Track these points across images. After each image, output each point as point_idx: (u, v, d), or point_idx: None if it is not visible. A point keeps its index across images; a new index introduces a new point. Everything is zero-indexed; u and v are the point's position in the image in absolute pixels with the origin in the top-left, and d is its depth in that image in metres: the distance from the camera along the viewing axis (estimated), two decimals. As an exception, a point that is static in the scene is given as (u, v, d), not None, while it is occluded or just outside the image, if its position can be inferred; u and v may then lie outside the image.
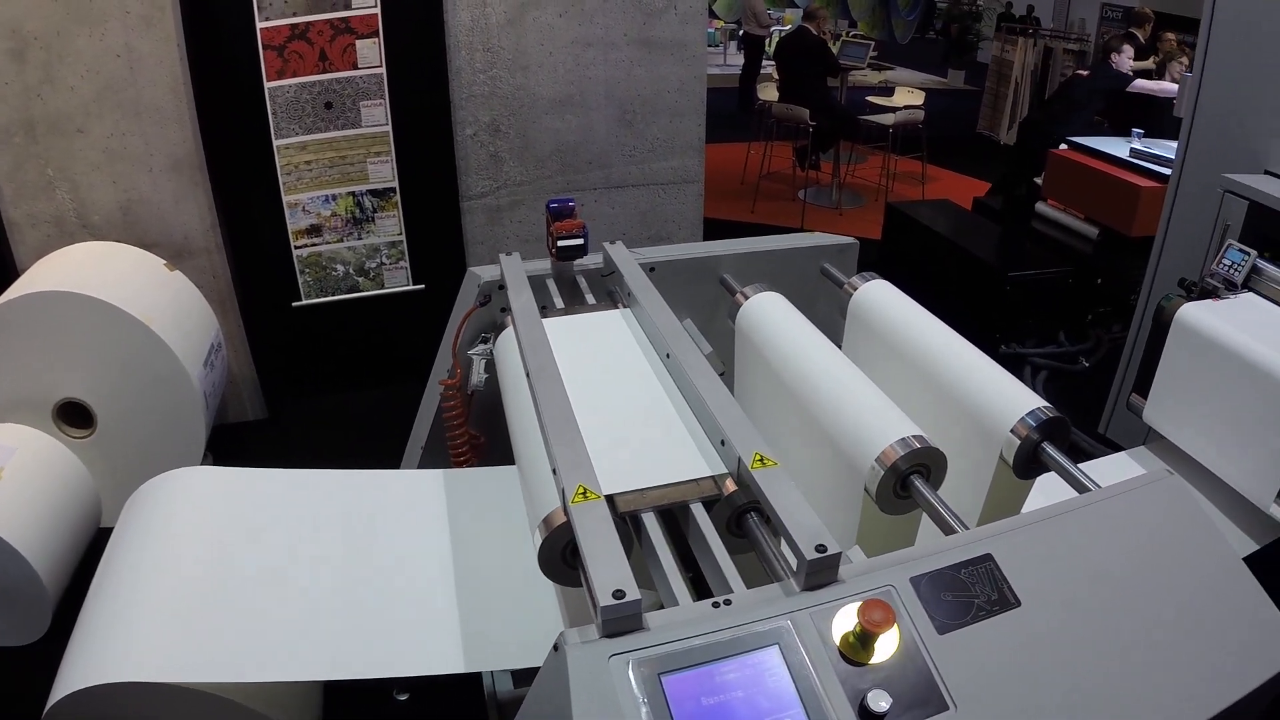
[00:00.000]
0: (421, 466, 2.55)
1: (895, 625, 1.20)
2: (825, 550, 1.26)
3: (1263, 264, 3.05)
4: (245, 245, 3.87)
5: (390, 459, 2.66)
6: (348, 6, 3.62)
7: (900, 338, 2.13)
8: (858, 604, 1.20)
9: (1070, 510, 1.49)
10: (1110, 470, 3.06)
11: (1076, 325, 5.53)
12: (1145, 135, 5.87)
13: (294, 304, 4.01)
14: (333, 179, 3.85)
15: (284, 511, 2.02)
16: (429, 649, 1.74)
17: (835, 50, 8.84)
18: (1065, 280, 5.34)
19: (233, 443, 3.91)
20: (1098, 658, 1.29)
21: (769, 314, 2.17)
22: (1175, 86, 6.73)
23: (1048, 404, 1.81)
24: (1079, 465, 1.73)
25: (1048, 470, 1.78)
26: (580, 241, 2.26)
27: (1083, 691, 1.25)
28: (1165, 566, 1.46)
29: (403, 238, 4.03)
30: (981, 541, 1.38)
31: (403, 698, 2.59)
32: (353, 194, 3.90)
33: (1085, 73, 7.20)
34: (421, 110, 3.84)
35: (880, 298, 2.28)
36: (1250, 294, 3.05)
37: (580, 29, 3.86)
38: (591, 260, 2.36)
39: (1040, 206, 6.26)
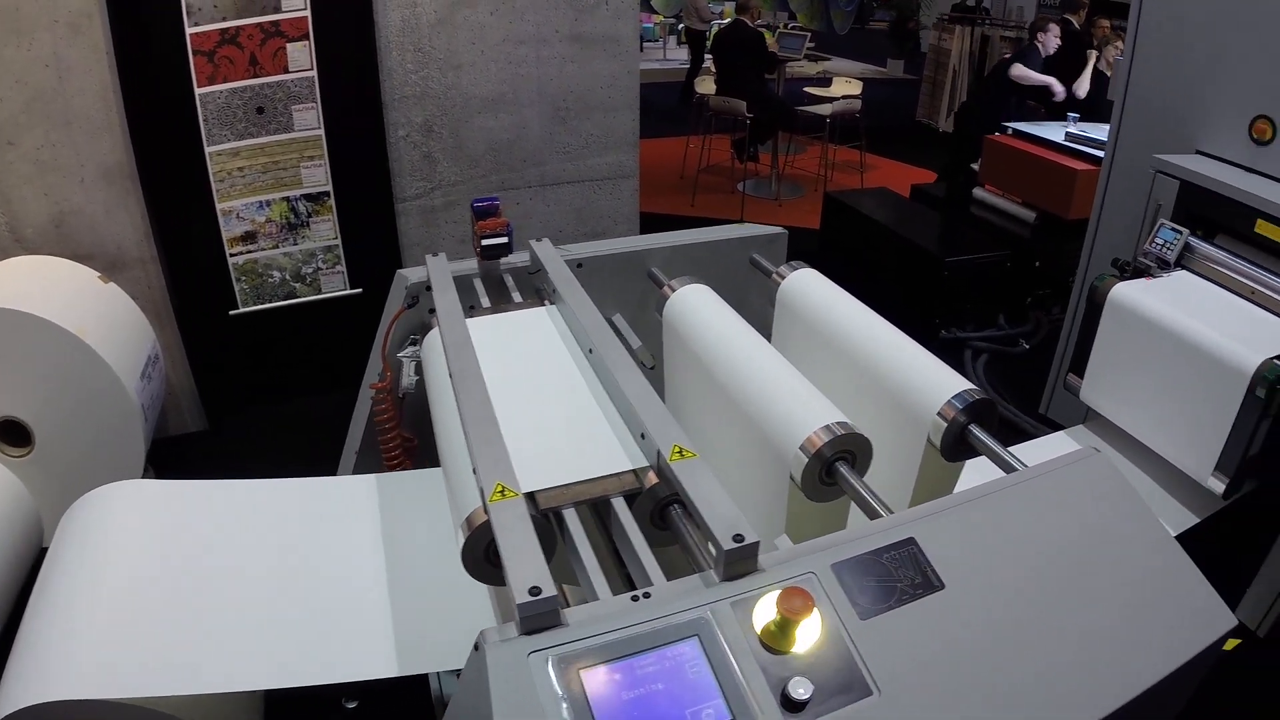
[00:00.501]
0: (356, 471, 2.53)
1: (816, 612, 1.20)
2: (743, 540, 1.25)
3: (1195, 242, 3.10)
4: (180, 254, 3.81)
5: (333, 465, 2.63)
6: (278, 10, 3.58)
7: (827, 325, 2.13)
8: (777, 593, 1.19)
9: (994, 491, 1.49)
10: (1047, 450, 3.08)
11: (1016, 308, 5.60)
12: (1081, 119, 5.96)
13: (231, 312, 3.96)
14: (266, 184, 3.81)
15: (217, 522, 2.00)
16: (363, 654, 1.73)
17: (771, 42, 8.88)
18: (1003, 264, 5.40)
19: (174, 455, 3.86)
20: (1024, 636, 1.29)
21: (695, 306, 2.16)
22: (1052, 79, 6.91)
23: (974, 386, 1.80)
24: (1017, 446, 1.75)
25: (977, 453, 1.78)
26: (504, 240, 2.24)
27: (1009, 670, 1.25)
28: (1092, 543, 1.46)
29: (338, 242, 3.99)
30: (904, 525, 1.38)
31: (351, 705, 2.56)
32: (287, 199, 3.86)
33: (1007, 55, 7.27)
34: (354, 112, 3.81)
35: (807, 286, 2.28)
36: (1184, 272, 3.09)
37: (512, 27, 3.84)
38: (520, 258, 2.34)
39: (978, 192, 6.32)
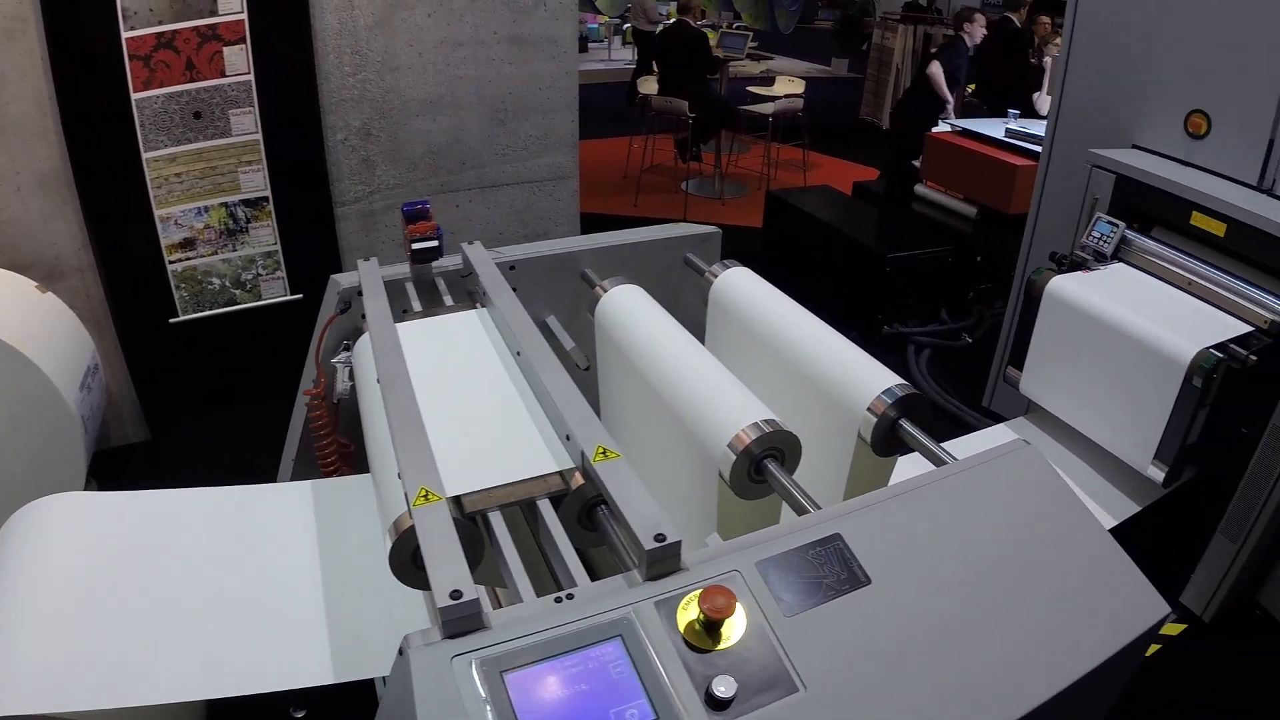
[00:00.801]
0: (295, 478, 2.50)
1: (739, 610, 1.20)
2: (664, 539, 1.24)
3: (1131, 235, 3.13)
4: (118, 263, 3.75)
5: (276, 473, 2.61)
6: (214, 13, 3.53)
7: (758, 323, 2.13)
8: (700, 591, 1.19)
9: (922, 485, 1.49)
10: (985, 444, 3.09)
11: (958, 303, 5.65)
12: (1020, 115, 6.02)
13: (171, 320, 3.90)
14: (204, 190, 3.76)
15: (153, 533, 1.97)
16: (299, 661, 1.71)
17: (714, 41, 8.91)
18: (944, 259, 5.44)
19: (116, 466, 3.81)
20: (953, 630, 1.29)
21: (625, 307, 2.16)
22: (949, 101, 7.01)
23: (904, 381, 1.81)
24: (955, 439, 1.75)
25: (910, 448, 1.79)
26: (435, 244, 2.23)
27: (937, 664, 1.24)
28: (1023, 535, 1.47)
29: (278, 247, 3.95)
30: (830, 521, 1.38)
31: (299, 715, 2.53)
32: (225, 205, 3.81)
33: (934, 51, 7.34)
34: (291, 116, 3.76)
35: (739, 285, 2.27)
36: (1121, 264, 3.13)
37: (450, 28, 3.81)
38: (453, 262, 2.32)
39: (919, 188, 6.37)
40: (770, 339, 2.07)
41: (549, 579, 1.40)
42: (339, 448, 2.30)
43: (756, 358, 2.10)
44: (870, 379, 1.82)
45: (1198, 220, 2.95)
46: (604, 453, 1.46)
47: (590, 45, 14.96)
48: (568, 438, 1.56)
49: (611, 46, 15.77)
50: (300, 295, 4.01)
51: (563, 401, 1.62)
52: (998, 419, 3.44)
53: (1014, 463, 1.61)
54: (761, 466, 1.64)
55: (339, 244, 4.01)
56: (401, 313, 2.10)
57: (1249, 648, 3.11)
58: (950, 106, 7.07)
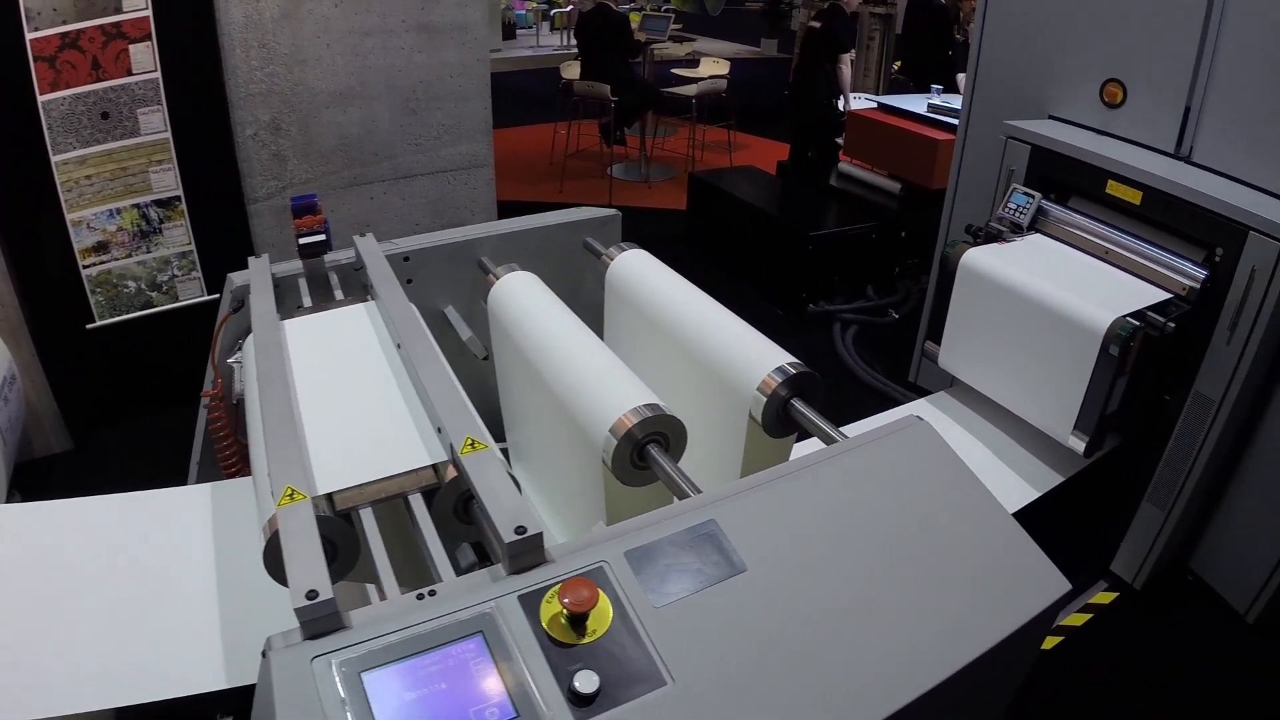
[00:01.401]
0: (200, 481, 2.44)
1: (604, 603, 1.17)
2: (525, 532, 1.21)
3: (1047, 205, 3.12)
4: (31, 269, 3.65)
5: (202, 477, 2.55)
6: (118, 10, 3.44)
7: (652, 306, 2.10)
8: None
9: (808, 466, 1.46)
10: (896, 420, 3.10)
11: (885, 279, 5.65)
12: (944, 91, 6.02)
13: (88, 326, 3.81)
14: (115, 192, 3.67)
15: (50, 543, 1.91)
16: (191, 668, 1.66)
17: (636, 24, 8.87)
18: (868, 236, 5.44)
19: (39, 478, 3.73)
20: (835, 615, 1.25)
21: (516, 294, 2.12)
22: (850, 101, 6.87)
23: (796, 360, 1.78)
24: (868, 418, 1.72)
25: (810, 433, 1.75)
26: (322, 238, 2.17)
27: (816, 652, 1.21)
28: (914, 513, 1.43)
29: (193, 248, 3.86)
30: (706, 508, 1.34)
31: (225, 720, 2.47)
32: (137, 206, 3.73)
33: (817, 25, 7.23)
34: (200, 113, 3.68)
35: (633, 268, 2.23)
36: (1038, 235, 3.11)
37: (357, 18, 3.75)
38: (347, 255, 2.26)
39: (842, 165, 6.37)
40: (663, 321, 2.03)
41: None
42: (240, 448, 2.25)
43: (651, 341, 2.07)
44: (761, 358, 1.78)
45: (1113, 189, 2.93)
46: (472, 444, 1.43)
47: (519, 32, 14.88)
48: (439, 430, 1.51)
49: (540, 33, 15.63)
50: (217, 295, 3.88)
51: (436, 393, 1.57)
52: (924, 393, 3.42)
53: (906, 439, 1.57)
54: (644, 452, 1.60)
55: (253, 241, 3.93)
56: (296, 308, 2.06)
57: (1181, 614, 3.11)
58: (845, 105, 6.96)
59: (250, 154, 3.80)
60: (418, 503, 1.45)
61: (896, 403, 3.91)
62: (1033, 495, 2.73)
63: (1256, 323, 2.61)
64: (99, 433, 4.03)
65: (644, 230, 6.66)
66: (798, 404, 1.73)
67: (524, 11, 15.18)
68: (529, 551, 1.22)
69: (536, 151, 8.44)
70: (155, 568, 1.89)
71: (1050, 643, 2.94)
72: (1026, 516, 2.75)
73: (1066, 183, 3.15)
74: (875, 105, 6.23)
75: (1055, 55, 3.37)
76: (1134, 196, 2.89)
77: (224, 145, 3.75)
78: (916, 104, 5.95)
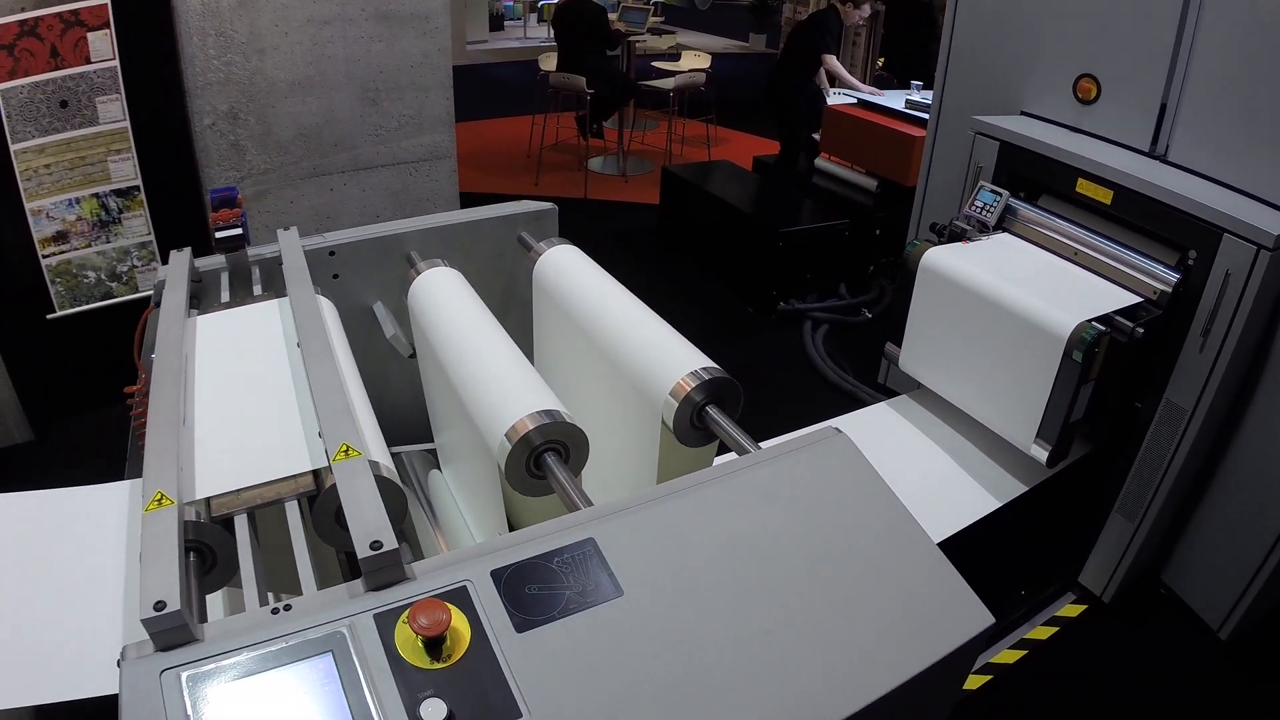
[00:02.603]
0: (132, 478, 2.38)
1: (461, 626, 1.10)
2: (380, 547, 1.14)
3: (1016, 203, 3.02)
4: (-10, 259, 3.60)
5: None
6: (76, -2, 3.38)
7: (574, 305, 2.02)
8: (421, 606, 1.08)
9: (709, 480, 1.37)
10: (846, 427, 3.00)
11: (859, 277, 5.56)
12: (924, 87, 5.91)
13: (48, 316, 3.74)
14: (75, 181, 3.60)
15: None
16: (88, 671, 1.59)
17: (615, 16, 8.79)
18: (841, 233, 5.34)
19: (-1, 470, 3.66)
20: (719, 646, 1.17)
21: (433, 291, 2.05)
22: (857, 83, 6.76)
23: (713, 365, 1.69)
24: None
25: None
26: (238, 231, 2.11)
27: (695, 688, 1.12)
28: (822, 535, 1.34)
29: (152, 238, 3.79)
30: (586, 525, 1.26)
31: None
32: (96, 195, 3.66)
33: (803, 22, 7.15)
34: (158, 103, 3.61)
35: (559, 265, 2.15)
36: (1005, 234, 3.02)
37: (316, 6, 3.66)
38: (273, 249, 2.19)
39: (820, 162, 6.26)
40: (584, 321, 1.95)
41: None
42: (162, 447, 2.17)
43: (573, 341, 1.99)
44: (677, 362, 1.69)
45: (1084, 188, 2.83)
46: (346, 451, 1.35)
47: (506, 23, 14.84)
48: (320, 435, 1.44)
49: (528, 24, 15.53)
50: (177, 287, 3.85)
51: (321, 395, 1.49)
52: (894, 395, 3.31)
53: (821, 454, 1.48)
54: (541, 460, 1.51)
55: (211, 232, 3.83)
56: (215, 304, 2.01)
57: (1152, 629, 3.02)
58: (829, 90, 6.87)
59: (208, 144, 3.72)
60: (293, 510, 1.38)
61: (865, 404, 3.81)
62: (993, 505, 2.63)
63: (1230, 329, 2.50)
64: (60, 423, 3.97)
65: (617, 225, 6.67)
66: (712, 411, 1.64)
67: (512, 3, 15.13)
68: (385, 568, 1.14)
69: (515, 144, 8.37)
70: (62, 567, 1.82)
71: (1012, 657, 2.85)
72: (988, 527, 2.67)
73: (1036, 180, 3.04)
74: (854, 101, 6.14)
75: (1028, 49, 3.26)
76: (1104, 196, 2.78)
77: (182, 135, 3.68)
78: (895, 100, 5.86)
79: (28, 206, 3.57)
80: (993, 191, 3.00)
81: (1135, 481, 2.84)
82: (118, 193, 3.69)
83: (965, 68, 3.55)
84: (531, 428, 1.50)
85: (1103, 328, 2.45)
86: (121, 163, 3.64)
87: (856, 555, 1.33)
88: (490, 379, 1.68)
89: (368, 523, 1.18)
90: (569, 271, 2.11)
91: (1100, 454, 2.91)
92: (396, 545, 1.15)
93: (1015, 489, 2.72)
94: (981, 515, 2.58)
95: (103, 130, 3.58)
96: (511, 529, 1.65)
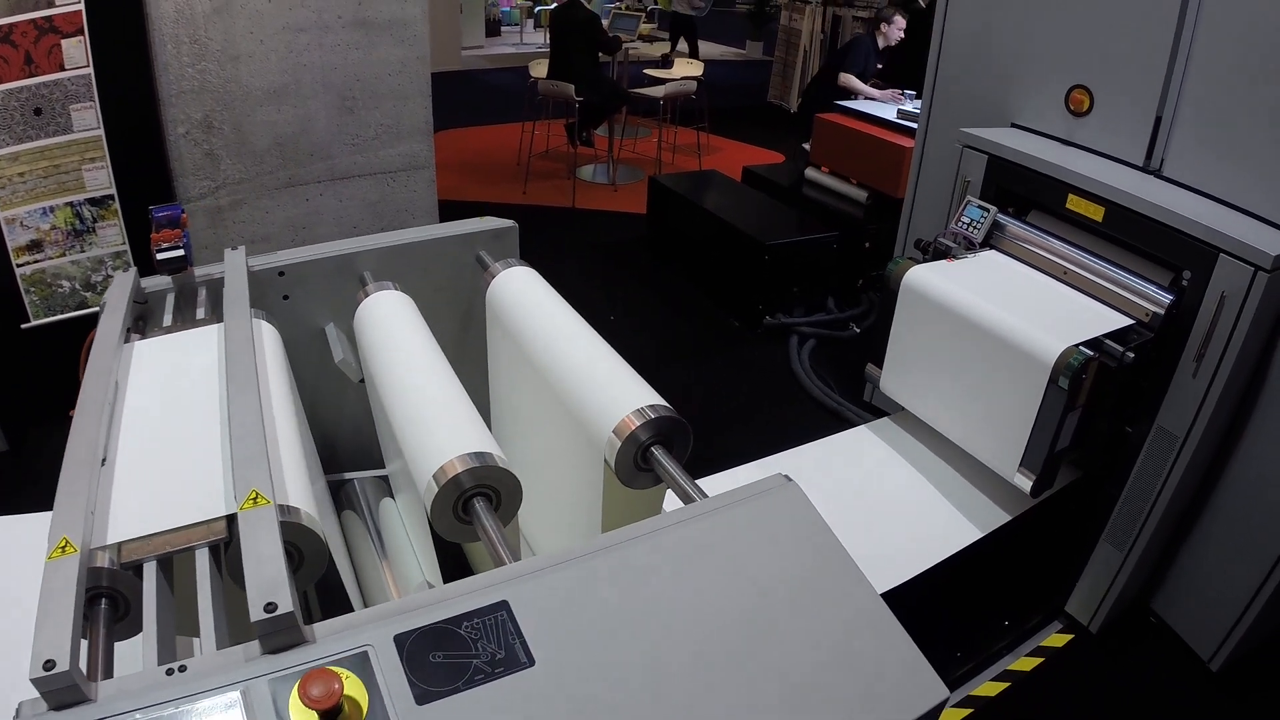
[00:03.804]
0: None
1: (358, 696, 1.02)
2: (275, 609, 1.06)
3: (1004, 219, 2.93)
4: (-37, 268, 3.53)
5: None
6: (50, 4, 3.30)
7: (524, 332, 1.92)
8: (317, 673, 1.00)
9: (642, 535, 1.27)
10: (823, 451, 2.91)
11: (847, 291, 5.45)
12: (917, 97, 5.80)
13: (23, 326, 3.68)
14: (49, 190, 3.53)
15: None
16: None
17: (607, 24, 8.74)
18: (829, 246, 5.23)
19: (-27, 480, 3.60)
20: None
21: (376, 316, 1.96)
22: (873, 90, 6.71)
23: (662, 403, 1.59)
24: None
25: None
26: (180, 253, 2.02)
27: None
28: (764, 600, 1.24)
29: (126, 247, 3.72)
30: (500, 586, 1.16)
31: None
32: (71, 204, 3.59)
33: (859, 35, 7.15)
34: (133, 111, 3.53)
35: (511, 288, 2.06)
36: (992, 252, 2.93)
37: (291, 13, 3.59)
38: (221, 269, 2.10)
39: (810, 172, 6.13)
40: (533, 350, 1.86)
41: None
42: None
43: (520, 371, 1.91)
44: (622, 397, 1.60)
45: (1074, 204, 2.73)
46: (255, 499, 1.26)
47: (504, 29, 14.82)
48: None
49: (525, 30, 15.49)
50: (150, 298, 3.79)
51: (239, 436, 1.41)
52: (881, 414, 3.22)
53: (768, 506, 1.37)
54: (470, 506, 1.43)
55: (152, 253, 3.77)
56: (157, 328, 1.93)
57: (1140, 660, 2.91)
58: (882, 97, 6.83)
59: (182, 153, 3.64)
60: (202, 558, 1.29)
61: (850, 424, 3.73)
62: (974, 536, 2.55)
63: (1225, 354, 2.38)
64: (35, 433, 3.91)
65: (605, 235, 6.60)
66: (658, 452, 1.54)
67: (509, 8, 15.07)
68: (281, 631, 1.06)
69: (506, 151, 8.29)
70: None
71: (994, 689, 2.75)
72: (971, 555, 2.58)
73: (1025, 196, 2.94)
74: (843, 110, 6.03)
75: (1018, 59, 3.15)
76: (1095, 212, 2.67)
77: (156, 144, 3.60)
78: (887, 110, 5.75)
79: (1, 215, 3.50)
80: (980, 207, 2.91)
81: (1124, 509, 2.73)
82: (92, 201, 3.62)
83: (954, 78, 3.44)
84: (461, 470, 1.42)
85: (1090, 352, 2.37)
86: (96, 171, 3.57)
87: (799, 623, 1.23)
88: (423, 415, 1.59)
89: (265, 581, 1.10)
90: (520, 296, 2.02)
91: (1089, 481, 2.81)
92: (292, 607, 1.06)
93: (998, 518, 2.63)
94: (961, 547, 2.50)
95: (77, 138, 3.51)
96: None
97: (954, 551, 2.46)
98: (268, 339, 1.86)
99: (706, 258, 5.62)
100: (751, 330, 5.17)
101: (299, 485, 1.42)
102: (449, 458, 1.43)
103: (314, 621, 1.12)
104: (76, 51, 3.40)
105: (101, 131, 3.52)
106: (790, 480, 1.40)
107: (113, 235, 3.69)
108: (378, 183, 4.00)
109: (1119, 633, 2.95)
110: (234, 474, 1.33)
